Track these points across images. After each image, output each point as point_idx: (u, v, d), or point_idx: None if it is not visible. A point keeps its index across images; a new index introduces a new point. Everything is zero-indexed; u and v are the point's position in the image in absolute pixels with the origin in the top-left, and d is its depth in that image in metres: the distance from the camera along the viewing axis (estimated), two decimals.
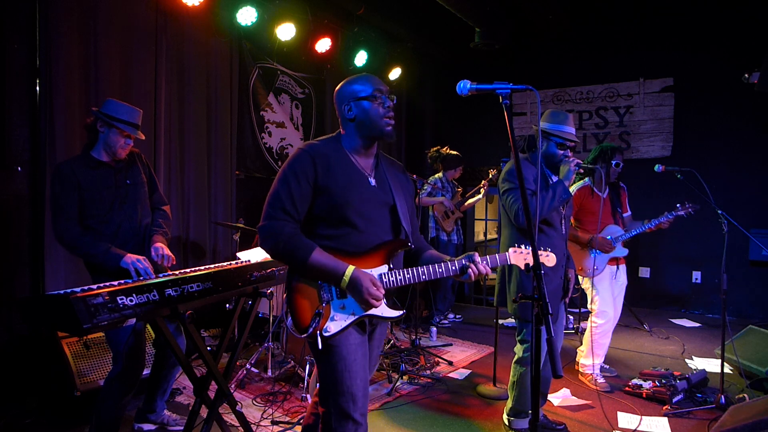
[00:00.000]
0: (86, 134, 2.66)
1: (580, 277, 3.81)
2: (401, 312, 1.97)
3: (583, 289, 3.94)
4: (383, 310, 1.92)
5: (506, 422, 3.03)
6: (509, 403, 3.00)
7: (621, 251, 3.75)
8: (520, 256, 2.11)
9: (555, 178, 2.91)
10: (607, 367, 4.06)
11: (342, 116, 1.97)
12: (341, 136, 1.99)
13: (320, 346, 1.83)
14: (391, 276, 1.92)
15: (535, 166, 2.86)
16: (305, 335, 1.82)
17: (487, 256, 2.03)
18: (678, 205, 3.68)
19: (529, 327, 2.86)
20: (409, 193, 2.12)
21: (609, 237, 3.67)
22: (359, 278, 1.79)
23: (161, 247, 2.67)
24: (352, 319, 1.87)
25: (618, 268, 3.80)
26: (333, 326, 1.84)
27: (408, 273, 1.93)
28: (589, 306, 3.80)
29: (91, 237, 2.55)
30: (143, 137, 2.75)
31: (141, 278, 2.42)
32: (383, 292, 1.84)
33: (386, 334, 2.06)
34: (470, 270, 1.92)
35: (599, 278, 3.68)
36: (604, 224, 3.72)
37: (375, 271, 1.89)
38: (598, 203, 3.66)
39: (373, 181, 1.96)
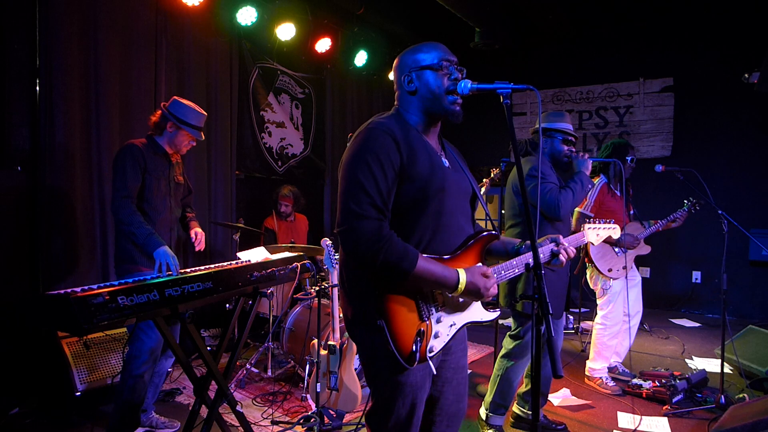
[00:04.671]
0: (150, 126, 2.90)
1: (591, 279, 3.75)
2: (498, 312, 1.72)
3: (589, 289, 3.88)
4: (481, 313, 1.68)
5: (482, 416, 2.95)
6: (489, 397, 2.92)
7: (644, 248, 3.73)
8: (594, 231, 2.09)
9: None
10: (627, 371, 3.93)
11: (401, 89, 1.69)
12: (402, 113, 1.68)
13: (434, 372, 1.60)
14: None
15: (544, 165, 2.85)
16: (416, 363, 1.52)
17: (569, 238, 1.89)
18: (686, 200, 3.69)
19: (528, 328, 2.84)
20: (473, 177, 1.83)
21: (634, 234, 3.66)
22: (475, 279, 1.54)
23: (199, 231, 3.03)
24: (454, 331, 1.62)
25: (634, 266, 3.79)
26: (437, 344, 1.58)
27: (503, 269, 1.67)
28: (599, 308, 3.73)
29: (141, 218, 2.70)
30: (203, 138, 3.01)
31: (161, 274, 2.53)
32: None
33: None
34: (561, 255, 1.71)
35: (615, 280, 3.63)
36: (622, 223, 3.66)
37: None
38: (616, 202, 3.64)
39: (446, 162, 1.68)
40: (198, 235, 3.01)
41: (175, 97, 2.92)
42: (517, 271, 1.70)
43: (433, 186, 1.56)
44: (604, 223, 2.19)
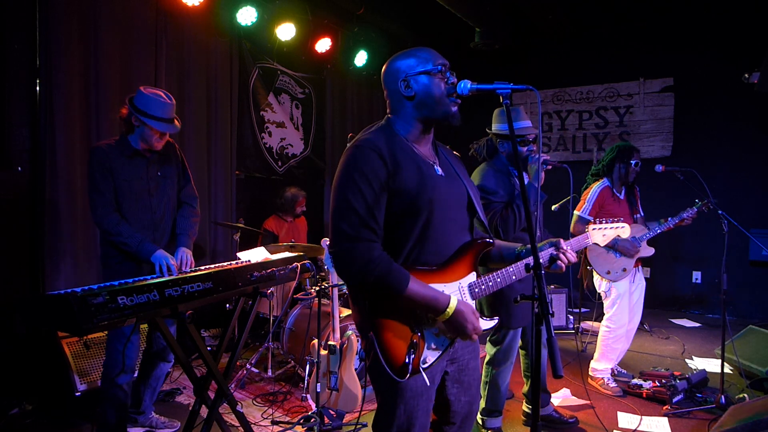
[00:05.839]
0: (122, 124, 2.70)
1: (596, 281, 3.73)
2: (496, 321, 1.70)
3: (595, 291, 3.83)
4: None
5: (480, 422, 3.02)
6: (482, 404, 3.00)
7: (647, 251, 3.66)
8: (598, 233, 1.97)
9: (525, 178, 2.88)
10: (624, 371, 3.96)
11: (394, 96, 1.66)
12: (392, 122, 1.66)
13: (428, 383, 1.58)
14: (482, 284, 1.66)
15: (499, 173, 2.82)
16: (408, 376, 1.52)
17: (570, 241, 1.83)
18: (697, 200, 3.62)
19: (505, 332, 2.86)
20: (471, 181, 1.80)
21: (632, 238, 3.55)
22: (463, 312, 1.54)
23: (184, 252, 2.74)
24: (448, 342, 1.62)
25: (637, 269, 3.73)
26: (431, 356, 1.58)
27: (498, 277, 1.67)
28: (605, 310, 3.72)
29: (127, 226, 2.62)
30: (179, 129, 2.76)
31: (162, 275, 2.50)
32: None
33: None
34: (559, 261, 1.65)
35: (618, 282, 3.59)
36: None
37: (464, 282, 1.64)
38: (618, 205, 3.60)
39: (439, 171, 1.66)
40: (180, 253, 2.73)
41: (141, 87, 2.68)
42: (514, 277, 1.67)
43: (421, 198, 1.55)
44: (611, 222, 2.07)
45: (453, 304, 1.53)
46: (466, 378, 1.76)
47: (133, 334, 2.65)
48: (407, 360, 1.52)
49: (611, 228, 2.04)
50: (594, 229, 2.01)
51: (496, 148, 2.91)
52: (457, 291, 1.62)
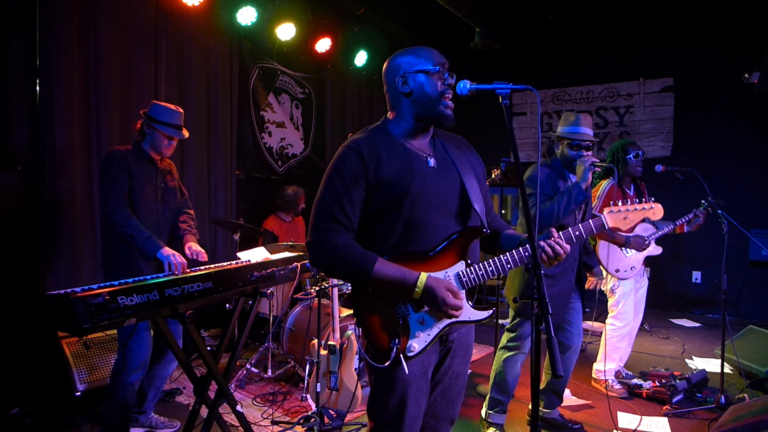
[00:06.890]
0: (137, 133, 2.89)
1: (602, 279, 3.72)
2: (490, 312, 1.66)
3: (600, 290, 3.83)
4: (469, 313, 1.65)
5: (483, 415, 3.02)
6: (488, 394, 3.00)
7: (656, 249, 3.66)
8: (619, 215, 1.74)
9: (574, 179, 2.91)
10: (630, 373, 3.90)
11: (393, 92, 1.69)
12: (388, 122, 1.71)
13: (407, 371, 1.58)
14: (471, 273, 1.64)
15: (553, 170, 2.92)
16: (388, 362, 1.56)
17: (580, 225, 1.71)
18: (703, 201, 3.59)
19: (521, 322, 2.91)
20: (478, 170, 1.79)
21: (644, 235, 3.54)
22: (434, 287, 1.54)
23: (193, 245, 2.90)
24: (436, 331, 1.62)
25: (643, 268, 3.74)
26: (416, 344, 1.60)
27: (490, 266, 1.65)
28: (609, 308, 3.71)
29: (137, 221, 2.70)
30: (186, 135, 2.93)
31: (171, 272, 2.56)
32: (463, 297, 1.61)
33: (472, 339, 1.84)
34: (543, 252, 1.58)
35: (624, 281, 3.59)
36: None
37: (451, 271, 1.63)
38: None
39: (432, 162, 1.68)
40: (192, 249, 2.86)
41: (154, 101, 2.92)
42: (509, 266, 1.63)
43: (402, 191, 1.59)
44: (634, 203, 1.74)
45: (422, 279, 1.55)
46: (453, 381, 1.77)
47: (145, 331, 2.68)
48: (390, 346, 1.57)
49: (634, 210, 1.72)
50: (611, 212, 1.72)
51: (553, 151, 3.05)
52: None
